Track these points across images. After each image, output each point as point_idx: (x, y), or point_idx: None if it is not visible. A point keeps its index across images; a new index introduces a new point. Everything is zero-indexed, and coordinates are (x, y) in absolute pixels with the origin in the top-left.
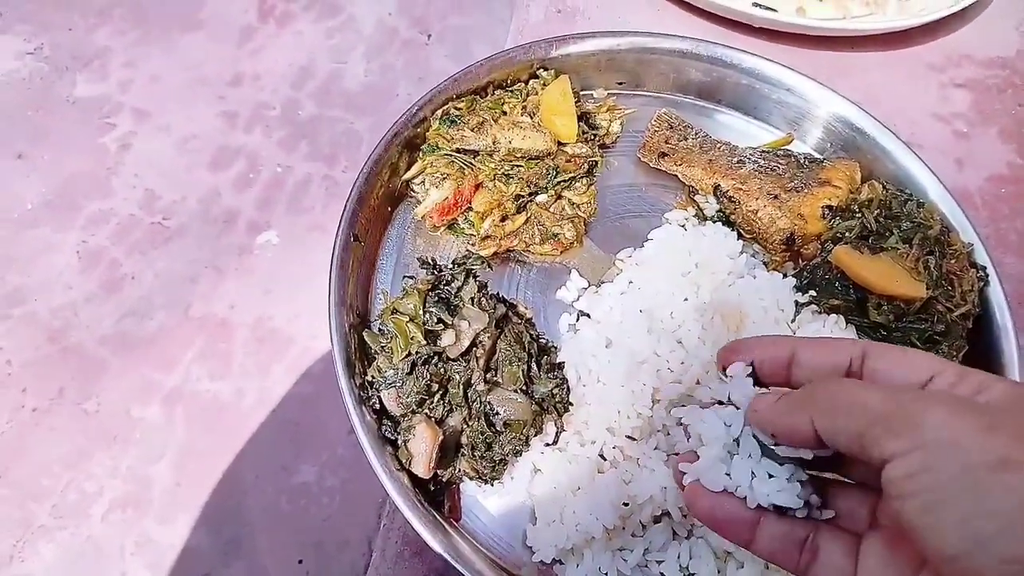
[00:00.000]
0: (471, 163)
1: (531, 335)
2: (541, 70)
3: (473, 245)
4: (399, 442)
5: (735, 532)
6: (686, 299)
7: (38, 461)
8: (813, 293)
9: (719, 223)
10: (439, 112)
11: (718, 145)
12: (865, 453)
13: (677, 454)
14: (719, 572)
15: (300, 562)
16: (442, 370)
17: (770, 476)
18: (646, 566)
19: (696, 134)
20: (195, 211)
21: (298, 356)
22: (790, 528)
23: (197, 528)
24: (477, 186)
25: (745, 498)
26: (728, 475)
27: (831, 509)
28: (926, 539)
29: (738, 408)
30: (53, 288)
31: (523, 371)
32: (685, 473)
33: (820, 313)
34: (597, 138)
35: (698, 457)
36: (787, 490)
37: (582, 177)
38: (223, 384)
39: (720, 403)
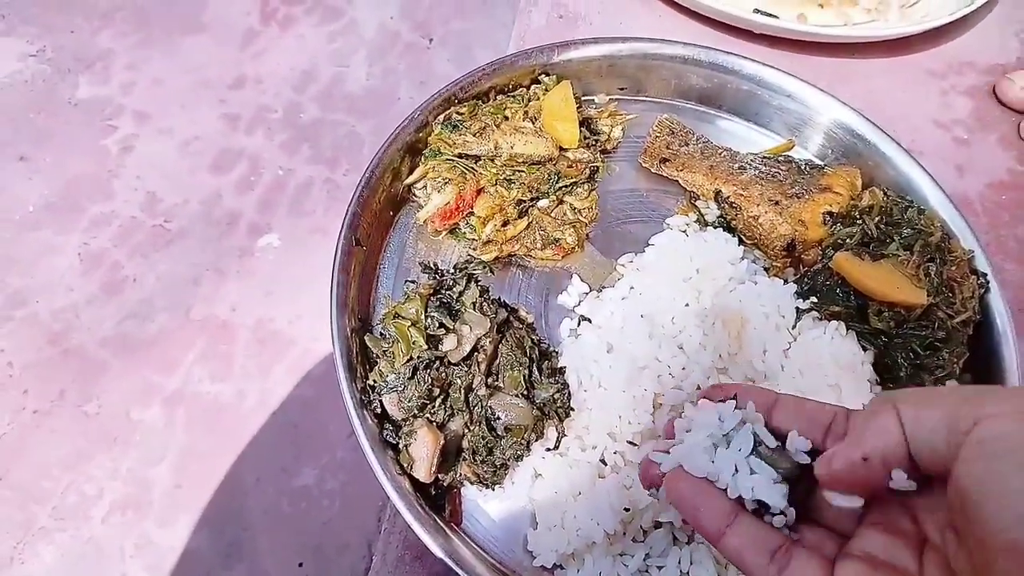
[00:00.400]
0: (473, 168)
1: (532, 340)
2: (543, 75)
3: (475, 250)
4: (400, 446)
5: (709, 519)
6: (687, 305)
7: (39, 463)
8: (814, 299)
9: (720, 229)
10: (441, 117)
11: (719, 151)
12: (953, 429)
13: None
14: None
15: (300, 565)
16: (443, 374)
17: (753, 472)
18: (647, 571)
19: (697, 140)
20: (197, 213)
21: (299, 358)
22: (765, 533)
23: (197, 530)
24: (479, 191)
25: (726, 489)
26: (712, 463)
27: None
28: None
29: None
30: (55, 290)
31: (524, 376)
32: (659, 464)
33: (821, 319)
34: (598, 143)
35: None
36: (771, 489)
37: (583, 182)
38: (224, 386)
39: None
